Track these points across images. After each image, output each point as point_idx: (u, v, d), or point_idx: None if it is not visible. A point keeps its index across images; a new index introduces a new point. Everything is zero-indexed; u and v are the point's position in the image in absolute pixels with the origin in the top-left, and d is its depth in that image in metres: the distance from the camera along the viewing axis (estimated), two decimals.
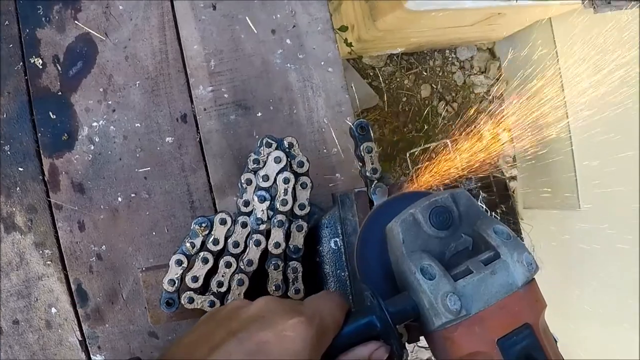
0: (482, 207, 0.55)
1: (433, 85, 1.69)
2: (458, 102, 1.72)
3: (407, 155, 1.32)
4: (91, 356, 0.84)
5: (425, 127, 1.64)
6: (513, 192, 1.61)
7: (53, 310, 0.84)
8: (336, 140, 0.87)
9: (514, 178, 1.70)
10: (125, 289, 0.84)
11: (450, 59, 1.72)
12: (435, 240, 0.51)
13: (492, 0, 1.27)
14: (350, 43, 1.44)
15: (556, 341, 0.49)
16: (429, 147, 1.47)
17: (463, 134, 1.79)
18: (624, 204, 1.38)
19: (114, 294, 0.84)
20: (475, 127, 1.74)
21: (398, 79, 1.66)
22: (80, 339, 0.84)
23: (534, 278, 0.49)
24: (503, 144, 1.78)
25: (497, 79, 1.76)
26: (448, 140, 1.47)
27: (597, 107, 1.44)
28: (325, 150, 0.87)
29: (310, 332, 0.46)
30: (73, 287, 0.84)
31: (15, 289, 0.84)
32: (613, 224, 1.39)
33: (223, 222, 0.68)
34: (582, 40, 1.47)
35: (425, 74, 1.69)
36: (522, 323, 0.46)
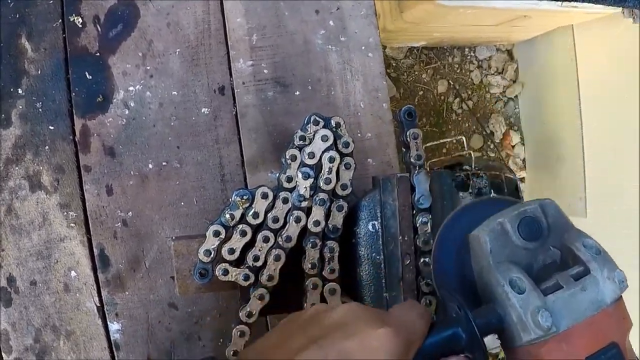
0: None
1: (450, 81, 1.69)
2: (473, 101, 1.73)
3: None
4: (108, 323, 0.83)
5: (440, 122, 1.64)
6: (521, 193, 1.62)
7: (73, 273, 0.83)
8: (371, 125, 0.87)
9: (523, 180, 1.72)
10: (148, 257, 0.83)
11: (469, 57, 1.72)
12: (523, 252, 0.48)
13: (522, 1, 1.28)
14: None
15: None
16: (444, 142, 1.47)
17: (476, 131, 1.81)
18: (630, 214, 1.39)
19: (136, 261, 0.83)
20: (488, 126, 1.76)
21: (416, 72, 1.66)
22: (98, 304, 0.83)
23: (621, 295, 0.47)
24: (514, 145, 1.79)
25: (514, 81, 1.77)
26: (463, 137, 1.48)
27: (612, 116, 1.46)
28: (359, 134, 0.86)
29: (397, 344, 0.43)
30: (95, 251, 0.83)
31: (35, 249, 0.83)
32: (617, 234, 1.41)
33: (265, 196, 0.67)
34: (604, 50, 1.49)
35: (443, 69, 1.69)
36: (609, 342, 0.45)
